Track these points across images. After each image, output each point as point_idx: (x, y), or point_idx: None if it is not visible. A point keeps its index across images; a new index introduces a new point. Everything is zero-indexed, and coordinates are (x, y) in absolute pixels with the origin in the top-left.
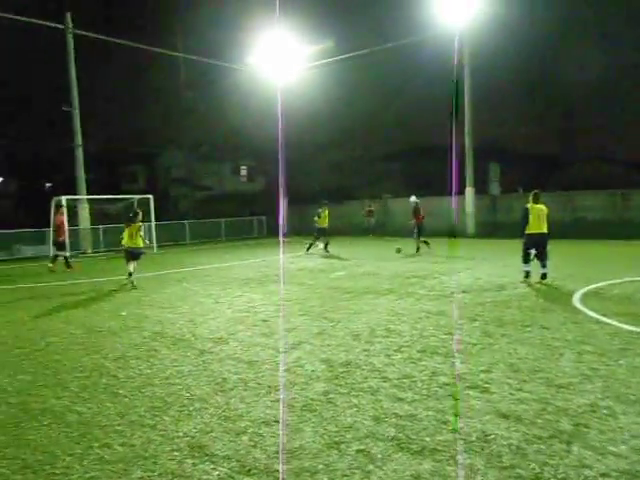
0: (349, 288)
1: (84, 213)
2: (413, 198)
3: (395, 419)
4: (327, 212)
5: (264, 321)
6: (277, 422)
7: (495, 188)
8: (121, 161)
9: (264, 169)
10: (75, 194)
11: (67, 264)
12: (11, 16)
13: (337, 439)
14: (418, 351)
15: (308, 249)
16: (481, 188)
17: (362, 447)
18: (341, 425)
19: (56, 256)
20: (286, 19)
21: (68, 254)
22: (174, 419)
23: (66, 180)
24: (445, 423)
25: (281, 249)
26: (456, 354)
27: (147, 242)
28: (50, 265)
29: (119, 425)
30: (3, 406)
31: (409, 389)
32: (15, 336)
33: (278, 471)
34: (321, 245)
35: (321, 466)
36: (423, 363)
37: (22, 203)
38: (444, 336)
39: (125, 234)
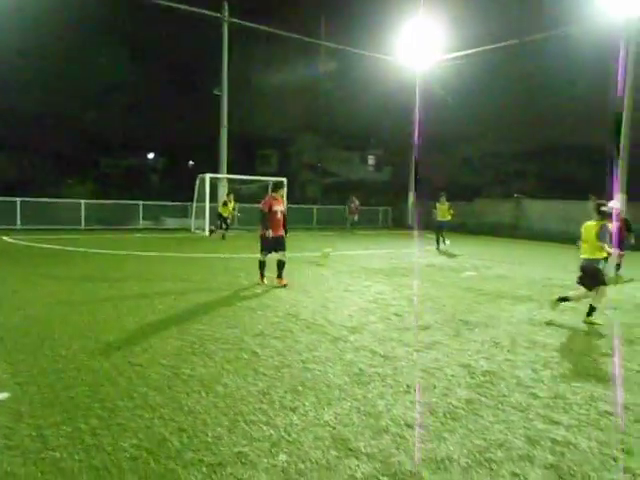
0: (483, 290)
1: (223, 191)
2: (612, 203)
3: (551, 444)
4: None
5: (396, 315)
6: (419, 426)
7: None
8: (258, 144)
9: (392, 160)
10: (215, 172)
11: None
12: (174, 4)
13: (487, 456)
14: (569, 370)
15: (438, 245)
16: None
17: (517, 470)
18: (490, 441)
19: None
20: (428, 9)
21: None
22: (314, 405)
23: (207, 159)
24: (614, 459)
25: (408, 242)
26: (617, 379)
27: None
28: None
29: (262, 403)
30: (157, 366)
31: (564, 412)
32: (160, 303)
33: None
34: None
35: None
36: (577, 385)
37: (168, 178)
38: (601, 358)
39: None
